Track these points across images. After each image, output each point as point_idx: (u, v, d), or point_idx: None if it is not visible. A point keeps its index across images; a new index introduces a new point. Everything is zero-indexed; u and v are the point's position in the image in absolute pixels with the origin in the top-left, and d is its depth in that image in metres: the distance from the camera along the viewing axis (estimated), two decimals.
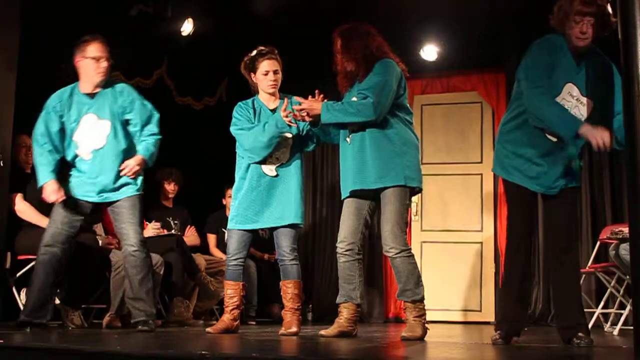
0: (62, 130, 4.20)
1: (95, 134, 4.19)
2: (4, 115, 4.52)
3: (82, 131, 4.20)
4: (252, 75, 4.27)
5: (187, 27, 6.14)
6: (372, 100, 3.72)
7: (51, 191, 4.10)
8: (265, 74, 4.20)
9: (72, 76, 4.30)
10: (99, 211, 4.58)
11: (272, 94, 4.26)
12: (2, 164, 4.44)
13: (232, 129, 4.24)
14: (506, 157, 3.51)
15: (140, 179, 4.29)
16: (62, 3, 5.18)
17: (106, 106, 4.22)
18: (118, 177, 4.20)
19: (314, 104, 3.87)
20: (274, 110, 4.23)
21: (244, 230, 4.18)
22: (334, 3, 5.70)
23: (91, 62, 4.17)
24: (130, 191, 4.24)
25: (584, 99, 3.41)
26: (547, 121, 3.33)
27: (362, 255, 3.95)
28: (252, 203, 4.16)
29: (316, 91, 3.93)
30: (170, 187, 5.95)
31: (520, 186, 3.47)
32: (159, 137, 4.32)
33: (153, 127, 4.32)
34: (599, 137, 3.18)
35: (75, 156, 4.23)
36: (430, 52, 6.72)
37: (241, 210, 4.18)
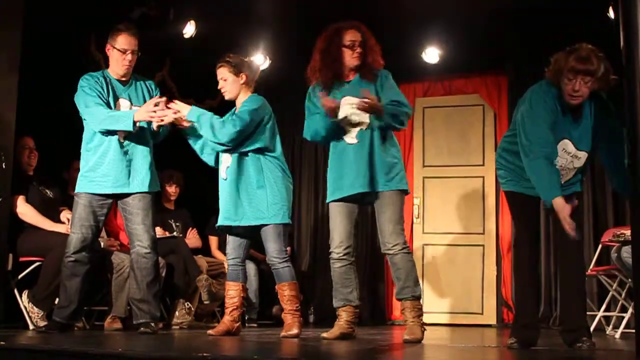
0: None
1: None
2: (6, 116, 4.51)
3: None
4: None
5: (189, 29, 6.16)
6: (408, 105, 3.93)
7: (151, 105, 4.07)
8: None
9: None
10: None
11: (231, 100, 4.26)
12: (4, 166, 4.43)
13: None
14: (506, 170, 3.53)
15: (155, 176, 4.29)
16: (64, 5, 5.19)
17: (140, 96, 4.28)
18: (146, 168, 4.21)
19: (377, 103, 3.83)
20: None
21: (235, 232, 4.18)
22: (335, 6, 5.70)
23: (117, 53, 4.20)
24: (148, 186, 4.19)
25: (580, 153, 3.39)
26: (532, 181, 3.28)
27: (356, 257, 4.02)
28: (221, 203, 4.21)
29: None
30: (172, 190, 5.95)
31: (522, 194, 3.46)
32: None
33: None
34: (563, 219, 3.12)
35: (105, 138, 4.14)
36: (431, 54, 6.72)
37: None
